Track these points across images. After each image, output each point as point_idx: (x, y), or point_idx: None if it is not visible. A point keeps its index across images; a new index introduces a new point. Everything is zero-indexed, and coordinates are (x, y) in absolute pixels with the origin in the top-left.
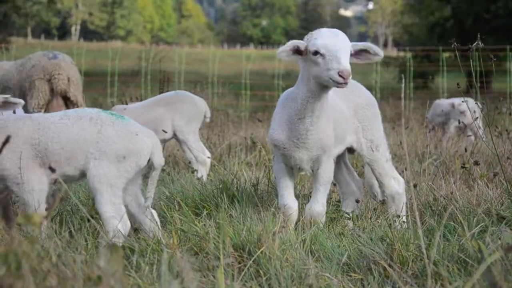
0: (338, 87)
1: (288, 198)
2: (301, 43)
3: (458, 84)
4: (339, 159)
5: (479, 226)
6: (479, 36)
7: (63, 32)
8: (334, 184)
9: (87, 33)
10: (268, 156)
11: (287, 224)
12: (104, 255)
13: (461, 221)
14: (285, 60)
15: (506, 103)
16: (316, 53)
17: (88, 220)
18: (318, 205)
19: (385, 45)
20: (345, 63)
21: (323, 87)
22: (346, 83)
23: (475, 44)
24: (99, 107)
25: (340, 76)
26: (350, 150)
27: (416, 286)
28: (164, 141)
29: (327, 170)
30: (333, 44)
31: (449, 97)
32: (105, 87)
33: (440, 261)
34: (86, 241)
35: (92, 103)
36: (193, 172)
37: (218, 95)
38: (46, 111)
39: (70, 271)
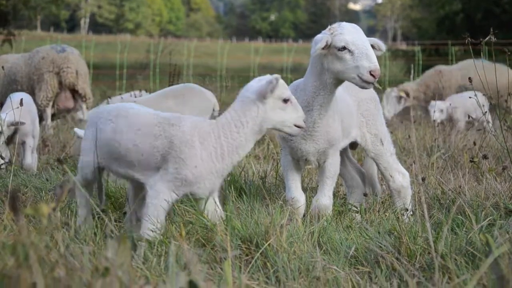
0: (363, 86)
1: (296, 191)
2: (328, 38)
3: (469, 78)
4: (342, 153)
5: (487, 219)
6: (491, 30)
7: (72, 25)
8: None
9: (96, 26)
10: (276, 149)
11: (295, 217)
12: (112, 246)
13: (469, 215)
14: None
15: None
16: (343, 48)
17: (97, 212)
18: (325, 198)
19: (394, 39)
20: (376, 62)
21: (338, 82)
22: (373, 83)
23: (487, 38)
24: (107, 99)
25: (371, 75)
26: (352, 145)
27: (424, 279)
28: None
29: (333, 163)
30: (362, 40)
31: (458, 91)
32: (113, 80)
33: (448, 254)
34: (94, 233)
35: (101, 96)
36: None
37: (226, 89)
38: (54, 103)
39: (78, 262)
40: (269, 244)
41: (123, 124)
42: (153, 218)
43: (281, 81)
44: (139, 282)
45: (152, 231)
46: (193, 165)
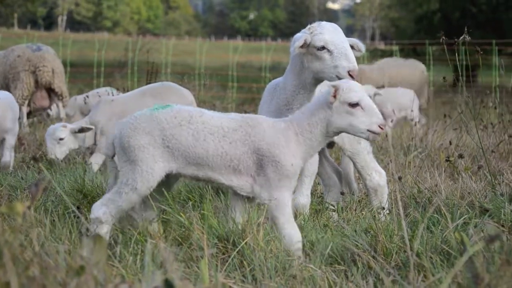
0: None
1: None
2: (307, 37)
3: (444, 78)
4: (319, 152)
5: (462, 218)
6: (466, 29)
7: (50, 23)
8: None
9: (74, 24)
10: None
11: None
12: (87, 245)
13: (444, 214)
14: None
15: (491, 97)
16: (322, 48)
17: (72, 211)
18: (303, 197)
19: (372, 38)
20: (355, 62)
21: (318, 81)
22: None
23: (462, 37)
24: (86, 97)
25: (350, 75)
26: (329, 144)
27: (399, 278)
28: None
29: (312, 162)
30: (342, 40)
31: (435, 90)
32: (91, 78)
33: (423, 253)
34: (70, 231)
35: (78, 94)
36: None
37: (205, 87)
38: (30, 102)
39: (53, 261)
40: (246, 243)
41: (202, 129)
42: (288, 229)
43: (350, 85)
44: (115, 280)
45: (297, 244)
46: (289, 163)
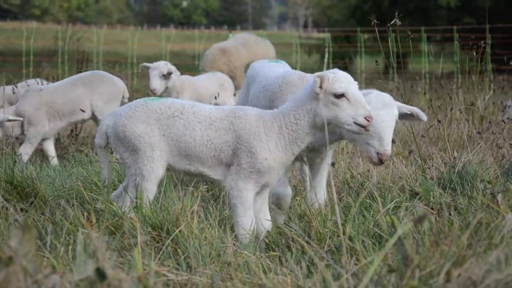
0: None
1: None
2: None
3: (376, 61)
4: None
5: (393, 202)
6: (396, 14)
7: None
8: None
9: (1, 12)
10: None
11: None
12: (16, 235)
13: (376, 198)
14: None
15: (421, 83)
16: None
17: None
18: (283, 187)
19: (305, 26)
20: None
21: None
22: None
23: (392, 22)
24: (14, 87)
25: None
26: None
27: (332, 262)
28: (82, 121)
29: None
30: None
31: (367, 78)
32: (20, 67)
33: (356, 237)
34: None
35: (7, 84)
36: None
37: (137, 76)
38: None
39: None
40: (180, 231)
41: (193, 120)
42: (243, 219)
43: (337, 76)
44: (45, 271)
45: (246, 234)
46: (263, 157)
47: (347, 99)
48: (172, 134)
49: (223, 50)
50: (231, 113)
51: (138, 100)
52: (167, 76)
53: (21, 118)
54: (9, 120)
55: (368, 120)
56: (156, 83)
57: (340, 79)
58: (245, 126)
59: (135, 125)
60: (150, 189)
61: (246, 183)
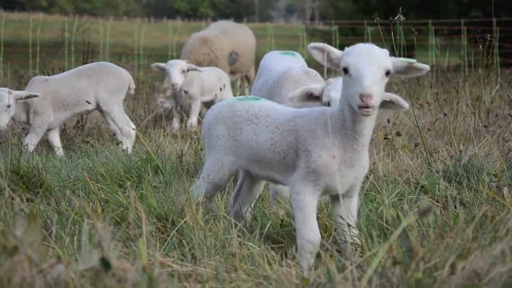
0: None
1: None
2: None
3: None
4: None
5: (395, 193)
6: (400, 10)
7: None
8: None
9: (8, 3)
10: (193, 128)
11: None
12: (22, 225)
13: (380, 190)
14: None
15: (428, 76)
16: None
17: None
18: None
19: (312, 18)
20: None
21: None
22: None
23: (396, 17)
24: (20, 78)
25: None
26: None
27: (337, 253)
28: (87, 112)
29: None
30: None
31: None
32: (26, 59)
33: (361, 228)
34: (4, 212)
35: (13, 75)
36: (118, 144)
37: (144, 68)
38: None
39: None
40: (185, 222)
41: (263, 124)
42: (303, 228)
43: (348, 50)
44: (50, 261)
45: (310, 241)
46: (317, 155)
47: (350, 74)
48: (241, 139)
49: (204, 39)
50: (297, 113)
51: (232, 98)
52: (186, 72)
53: (39, 94)
54: (29, 97)
55: (362, 100)
56: (178, 78)
57: (348, 52)
58: (304, 124)
59: (217, 126)
60: (210, 192)
61: (303, 185)
